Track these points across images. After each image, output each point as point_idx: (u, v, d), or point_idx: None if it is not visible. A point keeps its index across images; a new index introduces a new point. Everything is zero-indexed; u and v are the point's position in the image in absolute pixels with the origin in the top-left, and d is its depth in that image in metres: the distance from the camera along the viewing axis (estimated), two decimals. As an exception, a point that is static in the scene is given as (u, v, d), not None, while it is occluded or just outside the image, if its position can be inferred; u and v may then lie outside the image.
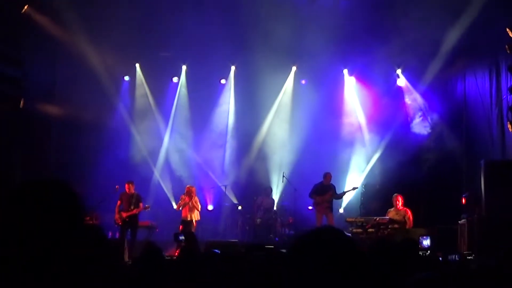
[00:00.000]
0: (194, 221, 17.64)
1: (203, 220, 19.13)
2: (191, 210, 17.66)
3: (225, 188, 20.25)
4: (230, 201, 20.58)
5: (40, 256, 1.99)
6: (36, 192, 2.08)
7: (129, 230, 17.01)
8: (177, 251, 16.15)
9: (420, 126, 20.00)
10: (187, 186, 18.33)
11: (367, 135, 20.63)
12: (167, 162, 21.26)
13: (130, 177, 18.28)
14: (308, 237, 2.19)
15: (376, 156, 20.21)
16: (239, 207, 20.30)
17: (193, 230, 17.18)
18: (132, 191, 17.40)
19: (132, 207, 17.07)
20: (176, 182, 20.78)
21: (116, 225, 17.09)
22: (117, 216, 17.09)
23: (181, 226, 17.52)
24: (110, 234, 17.32)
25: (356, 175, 20.32)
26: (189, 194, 17.81)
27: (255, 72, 20.00)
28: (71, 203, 2.10)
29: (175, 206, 19.85)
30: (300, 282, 2.10)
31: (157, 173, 21.05)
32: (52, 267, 2.01)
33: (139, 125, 21.25)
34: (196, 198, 17.93)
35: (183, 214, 17.73)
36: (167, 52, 20.65)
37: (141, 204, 17.26)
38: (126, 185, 17.38)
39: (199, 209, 17.87)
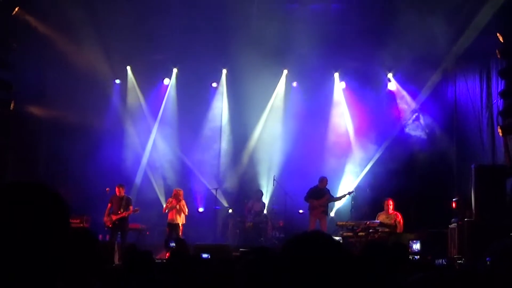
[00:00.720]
0: (180, 224, 17.62)
1: (194, 223, 19.13)
2: (178, 213, 17.64)
3: (216, 191, 20.23)
4: (221, 205, 20.54)
5: (18, 263, 1.96)
6: (13, 195, 2.04)
7: (119, 233, 16.98)
8: (167, 254, 16.16)
9: (412, 130, 20.06)
10: (175, 189, 18.32)
11: (358, 140, 20.66)
12: (158, 165, 21.22)
13: (121, 180, 18.28)
14: (297, 241, 2.19)
15: (366, 161, 20.26)
16: (230, 211, 20.29)
17: (180, 233, 17.18)
18: (123, 194, 17.38)
19: (122, 210, 17.05)
20: (167, 185, 20.74)
21: (106, 228, 17.05)
22: (106, 218, 17.07)
23: (167, 229, 17.55)
24: (100, 237, 17.28)
25: (348, 179, 20.35)
26: (177, 197, 17.79)
27: (246, 76, 19.99)
28: (52, 205, 2.07)
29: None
30: (290, 285, 2.10)
31: (148, 175, 21.00)
32: (35, 273, 1.99)
33: (130, 128, 21.23)
34: (183, 202, 17.89)
35: (169, 217, 17.71)
36: (158, 55, 20.63)
37: (131, 207, 17.22)
38: (117, 188, 17.36)
39: (186, 213, 17.84)
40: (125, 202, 17.22)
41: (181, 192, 18.03)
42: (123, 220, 17.10)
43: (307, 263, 2.11)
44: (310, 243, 2.19)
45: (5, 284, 1.94)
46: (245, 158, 21.35)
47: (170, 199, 17.97)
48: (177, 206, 17.64)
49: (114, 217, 16.97)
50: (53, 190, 2.10)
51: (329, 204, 18.04)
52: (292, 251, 2.18)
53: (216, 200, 20.19)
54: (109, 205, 17.28)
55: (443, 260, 13.67)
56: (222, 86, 21.68)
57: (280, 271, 2.16)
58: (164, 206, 18.21)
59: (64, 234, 2.06)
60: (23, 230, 1.96)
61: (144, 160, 21.17)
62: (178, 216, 17.63)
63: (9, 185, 2.08)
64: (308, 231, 2.33)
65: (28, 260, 1.96)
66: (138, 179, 20.72)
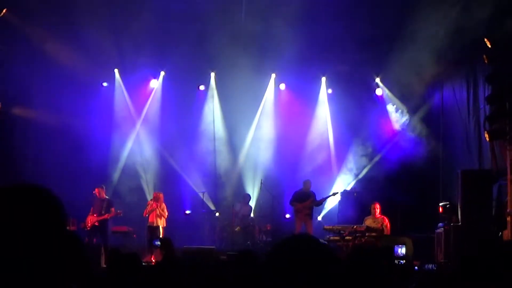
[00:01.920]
0: (161, 227, 17.60)
1: (181, 225, 19.14)
2: (158, 216, 17.63)
3: (203, 194, 20.19)
4: (207, 208, 20.51)
5: (19, 267, 1.96)
6: (17, 197, 2.04)
7: (99, 235, 16.93)
8: (153, 256, 16.13)
9: (399, 134, 20.15)
10: (155, 192, 18.37)
11: (345, 144, 20.70)
12: (145, 167, 21.11)
13: (108, 182, 18.27)
14: (284, 245, 2.19)
15: (355, 166, 20.34)
16: (217, 214, 20.26)
17: (160, 236, 17.16)
18: (103, 195, 17.38)
19: (103, 212, 17.05)
20: (155, 187, 20.67)
21: (84, 229, 16.97)
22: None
23: (148, 232, 17.58)
24: (86, 240, 17.24)
25: (338, 183, 20.39)
26: (157, 200, 17.80)
27: (234, 79, 20.00)
28: (54, 210, 2.07)
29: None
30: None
31: (136, 178, 20.89)
32: (34, 277, 1.99)
33: (116, 130, 21.12)
34: (164, 205, 17.87)
35: (149, 220, 17.70)
36: (145, 58, 20.51)
37: (112, 209, 17.20)
38: (96, 190, 17.37)
39: (166, 216, 17.81)
40: (106, 204, 17.22)
41: (161, 195, 18.03)
42: (103, 223, 17.09)
43: (295, 266, 2.11)
44: (297, 246, 2.19)
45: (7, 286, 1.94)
46: (233, 161, 21.32)
47: (150, 202, 18.00)
48: (157, 209, 17.62)
49: (94, 219, 16.98)
50: (50, 192, 2.10)
51: (314, 207, 18.01)
52: (280, 254, 2.18)
53: (203, 203, 20.18)
54: (92, 208, 17.32)
55: (433, 266, 13.74)
56: (211, 89, 21.64)
57: (268, 274, 2.15)
58: (145, 209, 18.10)
59: (61, 236, 2.06)
60: (21, 233, 1.96)
61: (132, 162, 21.05)
62: (158, 219, 17.61)
63: (5, 188, 2.08)
64: (295, 234, 2.33)
65: (28, 262, 1.96)
66: (125, 181, 20.59)
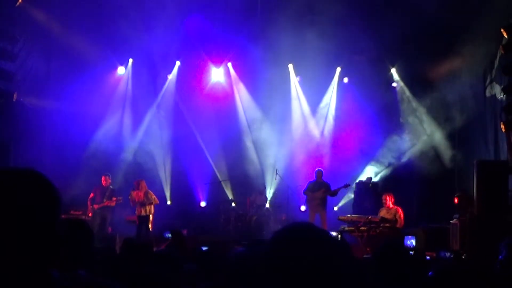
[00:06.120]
0: (150, 216, 17.13)
1: (196, 216, 19.18)
2: (143, 205, 17.06)
3: (219, 183, 20.24)
4: (223, 197, 20.53)
5: (10, 255, 1.94)
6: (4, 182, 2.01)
7: (100, 223, 16.96)
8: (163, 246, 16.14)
9: (415, 124, 20.10)
10: (136, 180, 17.68)
11: (362, 135, 20.66)
12: (162, 156, 21.15)
13: (128, 170, 18.37)
14: (285, 235, 2.13)
15: (371, 156, 20.34)
16: (233, 204, 20.27)
17: (150, 225, 17.02)
18: (109, 184, 17.48)
19: (104, 200, 17.11)
20: (172, 175, 20.78)
21: (85, 217, 16.99)
22: (89, 207, 17.22)
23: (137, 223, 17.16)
24: (110, 229, 17.41)
25: (353, 172, 20.39)
26: (140, 189, 17.21)
27: (250, 70, 20.04)
28: (45, 196, 2.05)
29: (169, 202, 19.97)
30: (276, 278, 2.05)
31: (152, 166, 20.91)
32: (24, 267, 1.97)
33: (136, 118, 21.20)
34: (150, 192, 17.31)
35: (136, 212, 17.20)
36: (162, 48, 20.55)
37: (114, 198, 17.24)
38: (103, 178, 17.43)
39: (156, 202, 17.33)
40: (109, 193, 17.27)
41: (143, 183, 17.42)
42: (104, 210, 17.17)
43: (293, 260, 2.04)
44: (298, 238, 2.10)
45: None
46: (248, 151, 21.31)
47: (135, 192, 17.25)
48: (143, 198, 17.15)
49: (96, 207, 17.11)
50: (43, 177, 2.08)
51: (329, 197, 17.95)
52: (279, 246, 2.10)
53: (219, 193, 20.21)
54: (91, 194, 17.36)
55: (450, 254, 13.70)
56: (228, 80, 21.67)
57: (268, 267, 2.09)
58: (131, 201, 17.37)
59: (52, 222, 2.03)
60: (8, 216, 1.94)
61: (148, 150, 21.07)
62: (144, 208, 17.08)
63: None
64: (294, 223, 2.23)
65: (14, 247, 1.94)
66: (140, 170, 20.58)
